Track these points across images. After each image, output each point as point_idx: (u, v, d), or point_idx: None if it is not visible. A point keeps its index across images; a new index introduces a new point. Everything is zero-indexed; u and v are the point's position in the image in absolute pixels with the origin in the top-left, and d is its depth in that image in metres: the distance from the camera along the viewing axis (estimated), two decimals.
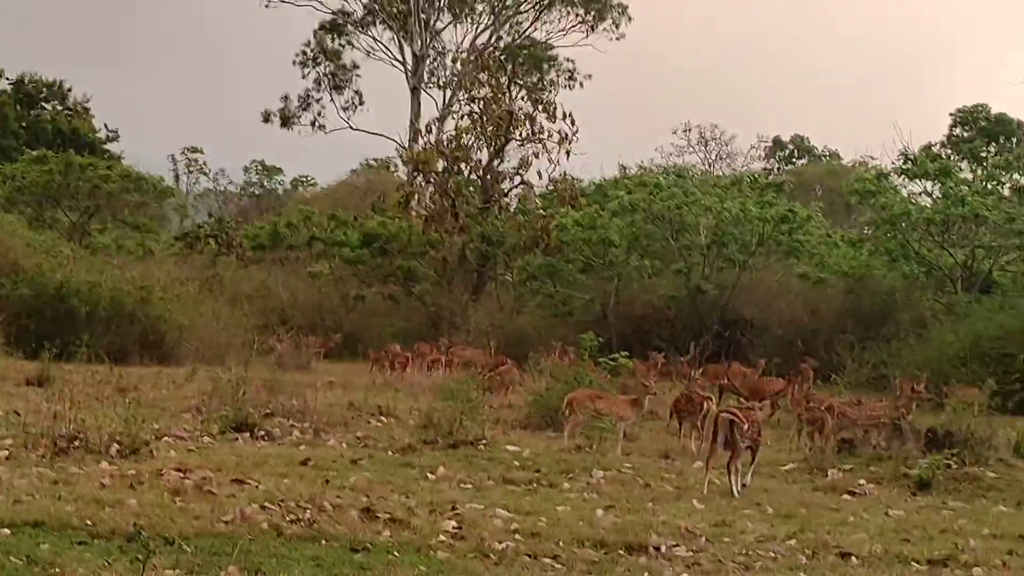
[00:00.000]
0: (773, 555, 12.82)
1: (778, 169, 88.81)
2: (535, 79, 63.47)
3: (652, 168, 70.07)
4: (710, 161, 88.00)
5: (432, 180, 50.97)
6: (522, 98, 51.78)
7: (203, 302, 37.23)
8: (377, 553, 11.81)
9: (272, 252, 52.10)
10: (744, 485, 17.38)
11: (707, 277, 44.61)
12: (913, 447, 20.07)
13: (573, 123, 48.61)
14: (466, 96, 52.40)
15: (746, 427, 17.14)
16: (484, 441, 19.78)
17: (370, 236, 49.48)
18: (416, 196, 51.88)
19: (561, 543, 12.69)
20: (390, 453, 18.71)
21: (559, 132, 48.61)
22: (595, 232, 44.80)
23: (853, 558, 12.79)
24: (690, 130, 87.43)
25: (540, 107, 49.34)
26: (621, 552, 12.62)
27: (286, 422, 21.23)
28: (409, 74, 63.23)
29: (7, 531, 11.57)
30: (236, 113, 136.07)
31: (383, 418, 23.22)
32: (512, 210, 51.08)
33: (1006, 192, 44.27)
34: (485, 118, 49.62)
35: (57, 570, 10.04)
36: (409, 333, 44.35)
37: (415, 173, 51.90)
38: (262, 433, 19.81)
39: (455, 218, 49.22)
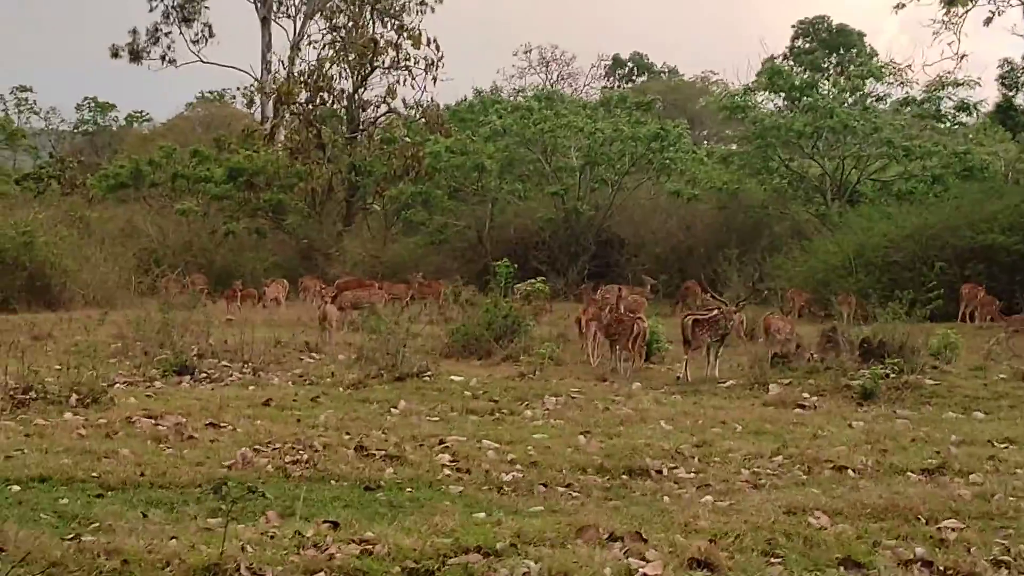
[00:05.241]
0: (771, 472, 12.97)
1: (618, 87, 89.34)
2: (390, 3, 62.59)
3: (500, 89, 70.10)
4: (552, 82, 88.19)
5: (295, 111, 50.39)
6: (382, 23, 51.24)
7: (83, 245, 36.45)
8: (391, 491, 11.70)
9: (134, 191, 51.15)
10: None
11: (581, 198, 44.79)
12: (847, 358, 20.43)
13: (438, 49, 48.41)
14: (328, 25, 51.75)
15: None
16: (429, 373, 19.74)
17: (235, 171, 48.78)
18: (280, 128, 51.33)
19: (564, 471, 12.71)
20: (341, 389, 18.55)
21: (425, 59, 48.37)
22: (468, 158, 44.68)
23: (850, 471, 12.96)
24: (531, 51, 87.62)
25: (405, 34, 48.94)
26: (624, 476, 12.67)
27: (217, 362, 21.00)
28: (258, 4, 62.00)
29: (16, 487, 11.27)
30: (64, 50, 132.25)
31: (313, 355, 23.04)
32: (379, 139, 50.76)
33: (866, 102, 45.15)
34: (348, 47, 49.15)
35: (96, 524, 9.75)
36: (280, 267, 44.08)
37: (278, 105, 51.19)
38: (203, 375, 19.57)
39: (321, 149, 48.80)
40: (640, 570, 8.54)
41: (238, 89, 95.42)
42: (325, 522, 9.65)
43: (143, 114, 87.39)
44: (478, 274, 40.12)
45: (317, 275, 40.04)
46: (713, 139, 74.65)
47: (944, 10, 37.48)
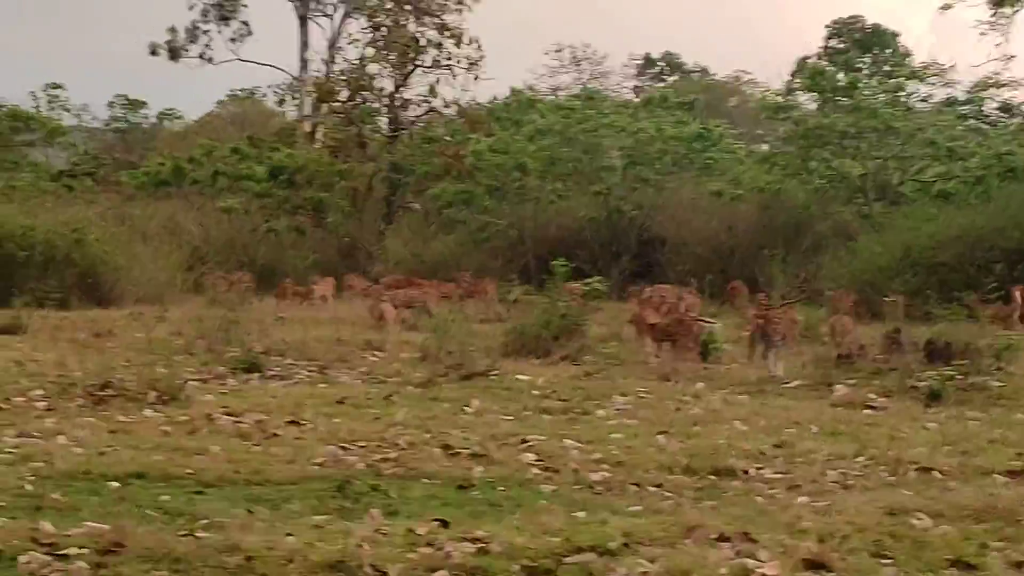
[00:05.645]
0: (858, 474, 12.98)
1: (649, 86, 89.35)
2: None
3: (536, 89, 70.20)
4: (583, 81, 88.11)
5: (336, 110, 50.55)
6: (420, 22, 51.22)
7: (133, 242, 36.68)
8: (484, 490, 11.74)
9: (175, 188, 51.31)
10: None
11: (623, 198, 44.88)
12: (912, 359, 20.43)
13: (479, 48, 48.50)
14: (369, 24, 51.81)
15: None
16: (495, 372, 19.82)
17: (277, 169, 48.94)
18: (321, 127, 51.55)
19: (651, 471, 12.74)
20: (411, 388, 18.63)
21: (467, 58, 48.47)
22: (510, 157, 44.84)
23: (936, 473, 12.95)
24: (562, 50, 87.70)
25: (447, 33, 49.03)
26: (712, 477, 12.67)
27: (282, 360, 21.12)
28: (297, 3, 62.05)
29: (115, 483, 11.38)
30: (89, 48, 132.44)
31: (376, 353, 23.13)
32: (418, 138, 50.86)
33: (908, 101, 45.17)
34: (389, 45, 49.27)
35: (206, 520, 9.78)
36: (319, 265, 44.20)
37: (319, 103, 51.34)
38: (271, 373, 19.70)
39: (362, 148, 48.93)
40: (758, 570, 8.59)
41: (269, 87, 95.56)
42: (434, 520, 9.73)
43: (174, 111, 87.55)
44: (519, 273, 40.19)
45: (360, 273, 40.19)
46: (746, 139, 74.54)
47: (992, 11, 37.44)
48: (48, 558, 8.50)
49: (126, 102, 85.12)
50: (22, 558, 8.45)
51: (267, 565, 8.40)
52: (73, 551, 8.63)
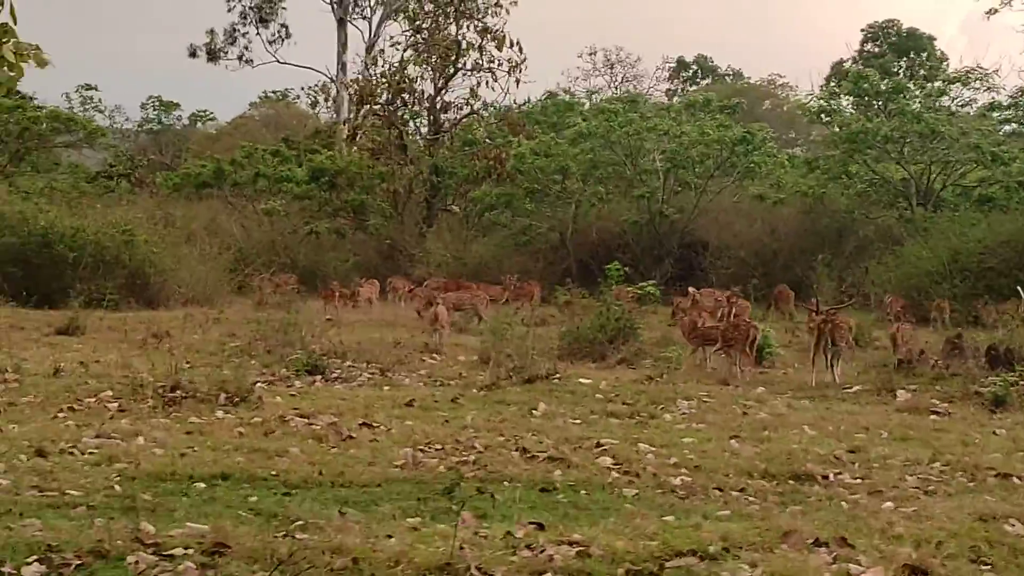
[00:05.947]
0: (937, 479, 12.93)
1: (682, 90, 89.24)
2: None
3: (574, 92, 70.18)
4: (616, 84, 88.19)
5: (377, 112, 50.58)
6: (466, 27, 51.17)
7: (177, 244, 36.73)
8: (567, 493, 11.75)
9: (216, 190, 51.40)
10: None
11: (665, 201, 44.79)
12: (973, 364, 20.35)
13: (521, 51, 48.47)
14: (411, 27, 51.81)
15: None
16: (558, 375, 19.79)
17: (318, 171, 49.04)
18: (361, 129, 51.59)
19: (730, 475, 12.73)
20: (475, 391, 18.64)
21: (508, 61, 48.46)
22: (552, 160, 44.80)
23: (1015, 479, 12.91)
24: (595, 53, 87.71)
25: (488, 36, 49.00)
26: (792, 481, 12.64)
27: (342, 363, 21.15)
28: (335, 5, 62.13)
29: (201, 484, 11.44)
30: (121, 50, 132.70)
31: (434, 356, 23.16)
32: (459, 141, 50.88)
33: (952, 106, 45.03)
34: (430, 48, 49.31)
35: (300, 522, 9.80)
36: (359, 267, 44.19)
37: (359, 105, 51.35)
38: (333, 375, 19.74)
39: (402, 150, 48.96)
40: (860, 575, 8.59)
41: (302, 89, 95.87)
42: (531, 523, 9.76)
43: (207, 113, 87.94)
44: (561, 276, 40.14)
45: (403, 275, 40.23)
46: (779, 143, 74.33)
47: None
48: (154, 558, 8.55)
49: (159, 104, 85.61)
50: (130, 558, 8.51)
51: (374, 567, 8.44)
52: (178, 552, 8.68)
